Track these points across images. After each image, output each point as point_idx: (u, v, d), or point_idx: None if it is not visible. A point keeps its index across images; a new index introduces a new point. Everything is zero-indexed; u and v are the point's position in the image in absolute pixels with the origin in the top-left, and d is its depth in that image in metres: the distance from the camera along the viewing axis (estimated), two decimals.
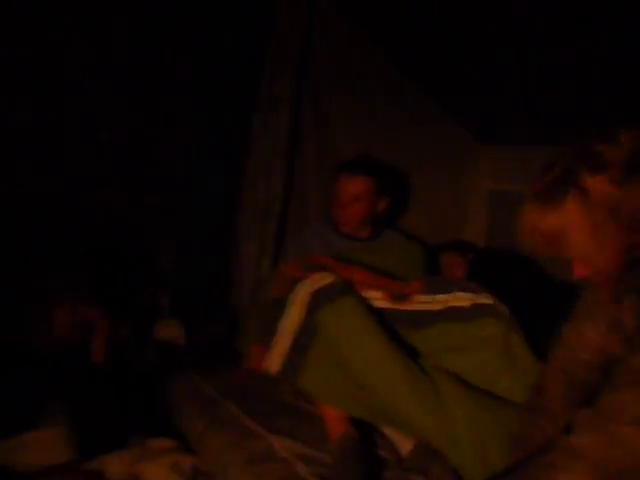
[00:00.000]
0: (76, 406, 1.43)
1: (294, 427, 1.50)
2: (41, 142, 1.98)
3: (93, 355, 1.46)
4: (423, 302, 1.57)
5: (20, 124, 1.94)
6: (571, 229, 0.92)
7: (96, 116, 2.03)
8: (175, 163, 2.20)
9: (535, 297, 1.71)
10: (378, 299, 1.55)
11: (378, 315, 1.50)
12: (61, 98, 1.98)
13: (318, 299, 1.44)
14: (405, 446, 1.41)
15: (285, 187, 2.24)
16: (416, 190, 2.44)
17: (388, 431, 1.45)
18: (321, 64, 2.24)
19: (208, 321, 2.00)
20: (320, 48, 2.23)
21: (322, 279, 1.49)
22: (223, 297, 2.23)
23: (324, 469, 1.33)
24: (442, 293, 1.58)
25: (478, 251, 2.20)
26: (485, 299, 1.54)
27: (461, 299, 1.55)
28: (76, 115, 1.99)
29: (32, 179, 1.92)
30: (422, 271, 1.93)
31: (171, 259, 2.21)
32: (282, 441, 1.42)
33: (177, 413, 1.66)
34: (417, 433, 1.34)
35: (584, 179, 0.90)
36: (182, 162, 2.23)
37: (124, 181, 2.14)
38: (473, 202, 2.59)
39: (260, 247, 2.24)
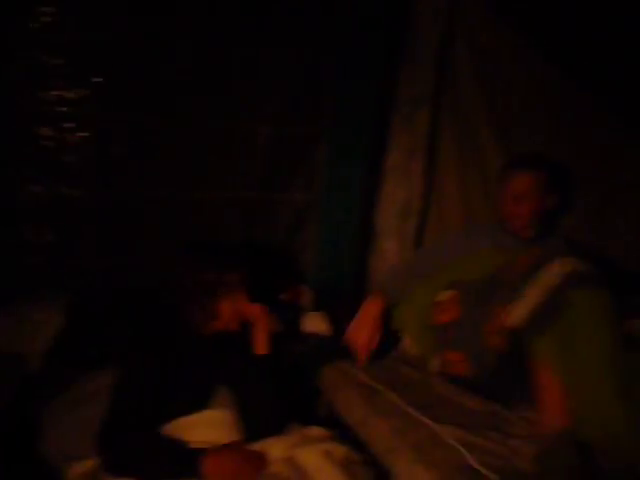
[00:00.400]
0: (242, 392, 1.52)
1: (458, 417, 1.49)
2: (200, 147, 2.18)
3: (256, 346, 1.57)
4: None
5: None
6: None
7: (247, 119, 2.19)
8: (317, 161, 2.29)
9: None
10: None
11: None
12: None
13: (577, 279, 1.48)
14: None
15: (425, 185, 2.25)
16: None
17: None
18: (462, 62, 2.21)
19: (350, 315, 2.06)
20: (461, 46, 2.20)
21: (581, 264, 1.52)
22: (363, 292, 2.28)
23: (497, 460, 1.31)
24: None
25: None
26: None
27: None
28: (238, 117, 2.17)
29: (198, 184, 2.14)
30: None
31: (313, 256, 2.31)
32: (448, 429, 1.43)
33: (332, 401, 1.72)
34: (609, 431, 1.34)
35: None
36: (322, 160, 2.31)
37: (269, 181, 2.28)
38: None
39: (400, 245, 2.27)
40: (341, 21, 2.20)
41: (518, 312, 1.52)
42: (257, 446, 1.46)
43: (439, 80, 2.20)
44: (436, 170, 2.28)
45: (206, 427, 1.49)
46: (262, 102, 2.18)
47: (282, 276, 2.16)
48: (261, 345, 1.58)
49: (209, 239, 1.97)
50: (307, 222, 2.33)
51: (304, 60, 2.19)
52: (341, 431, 1.59)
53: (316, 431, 1.54)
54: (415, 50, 2.18)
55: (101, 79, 2.04)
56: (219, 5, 2.09)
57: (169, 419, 1.48)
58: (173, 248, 2.14)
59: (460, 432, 1.43)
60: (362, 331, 1.78)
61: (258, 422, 1.50)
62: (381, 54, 2.23)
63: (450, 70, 2.21)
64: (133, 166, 2.10)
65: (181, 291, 1.65)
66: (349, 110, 2.26)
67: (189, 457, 1.38)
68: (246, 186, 2.23)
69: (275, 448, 1.46)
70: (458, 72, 2.21)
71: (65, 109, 2.02)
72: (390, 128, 2.24)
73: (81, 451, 1.48)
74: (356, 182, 2.32)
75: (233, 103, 2.15)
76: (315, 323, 1.99)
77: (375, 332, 1.79)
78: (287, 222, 2.32)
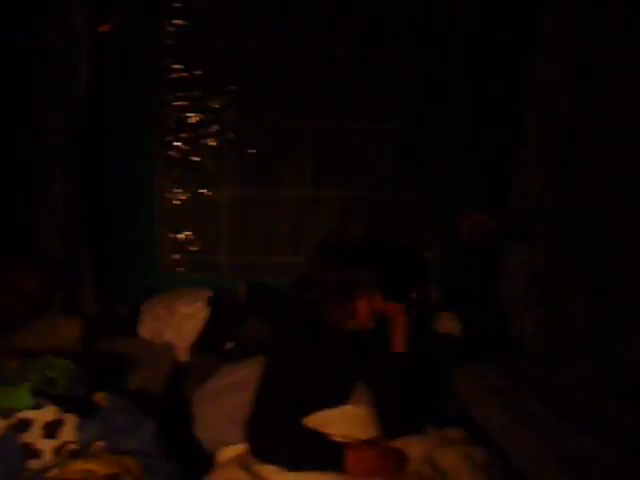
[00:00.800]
0: (380, 389, 1.53)
1: (613, 432, 1.41)
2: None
3: (394, 345, 1.59)
4: None
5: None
6: None
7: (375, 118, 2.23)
8: (445, 161, 2.27)
9: None
10: None
11: None
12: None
13: None
14: None
15: (561, 180, 2.13)
16: None
17: None
18: (603, 49, 2.07)
19: (481, 315, 2.02)
20: (602, 29, 2.06)
21: None
22: (493, 292, 2.23)
23: None
24: None
25: None
26: None
27: None
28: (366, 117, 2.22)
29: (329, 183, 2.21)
30: None
31: (440, 254, 2.30)
32: (598, 444, 1.35)
33: (467, 405, 1.70)
34: None
35: None
36: (450, 160, 2.29)
37: (396, 180, 2.28)
38: None
39: (531, 246, 2.18)
40: (468, 20, 2.16)
41: None
42: (396, 444, 1.47)
43: (578, 68, 2.07)
44: (574, 165, 2.15)
45: (345, 421, 1.52)
46: (389, 102, 2.20)
47: (410, 275, 2.16)
48: (399, 343, 1.59)
49: (345, 238, 2.04)
50: (433, 220, 2.31)
51: (432, 60, 2.18)
52: (475, 433, 1.57)
53: (455, 433, 1.53)
54: (550, 37, 2.07)
55: (237, 86, 2.16)
56: (346, 9, 2.13)
57: (310, 412, 1.53)
58: (303, 246, 2.25)
59: (614, 449, 1.33)
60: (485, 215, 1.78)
61: (395, 420, 1.51)
62: (512, 46, 2.16)
63: (590, 57, 2.08)
64: (268, 167, 2.21)
65: (318, 290, 1.70)
66: (477, 107, 2.21)
67: (332, 450, 1.42)
68: (374, 185, 2.25)
69: (414, 447, 1.46)
70: (600, 59, 2.07)
71: (205, 116, 2.17)
72: (524, 121, 2.15)
73: (230, 437, 1.59)
74: (483, 179, 2.27)
75: (361, 103, 2.19)
76: (446, 323, 1.97)
77: (490, 224, 1.76)
78: (414, 220, 2.32)
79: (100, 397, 1.39)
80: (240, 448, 1.53)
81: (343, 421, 1.52)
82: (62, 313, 1.91)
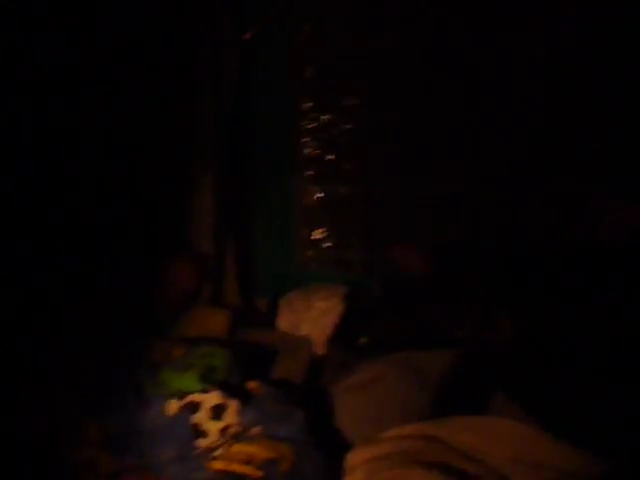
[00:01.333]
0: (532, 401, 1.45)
1: None
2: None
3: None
4: None
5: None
6: None
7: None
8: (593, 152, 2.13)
9: None
10: None
11: None
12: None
13: None
14: None
15: None
16: None
17: None
18: None
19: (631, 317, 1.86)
20: None
21: None
22: None
23: None
24: None
25: None
26: None
27: None
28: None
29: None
30: None
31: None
32: None
33: None
34: None
35: None
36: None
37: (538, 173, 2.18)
38: None
39: None
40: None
41: None
42: None
43: None
44: None
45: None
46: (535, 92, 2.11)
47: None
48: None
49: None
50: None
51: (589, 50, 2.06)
52: None
53: None
54: None
55: (368, 85, 2.19)
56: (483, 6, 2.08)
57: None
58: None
59: None
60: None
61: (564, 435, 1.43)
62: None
63: None
64: (400, 163, 2.22)
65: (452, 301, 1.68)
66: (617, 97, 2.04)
67: None
68: (510, 178, 2.17)
69: None
70: None
71: (339, 115, 2.22)
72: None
73: (360, 432, 1.61)
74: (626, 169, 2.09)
75: (501, 94, 2.12)
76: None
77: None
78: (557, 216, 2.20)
79: (253, 385, 1.48)
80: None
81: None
82: (210, 305, 2.07)
